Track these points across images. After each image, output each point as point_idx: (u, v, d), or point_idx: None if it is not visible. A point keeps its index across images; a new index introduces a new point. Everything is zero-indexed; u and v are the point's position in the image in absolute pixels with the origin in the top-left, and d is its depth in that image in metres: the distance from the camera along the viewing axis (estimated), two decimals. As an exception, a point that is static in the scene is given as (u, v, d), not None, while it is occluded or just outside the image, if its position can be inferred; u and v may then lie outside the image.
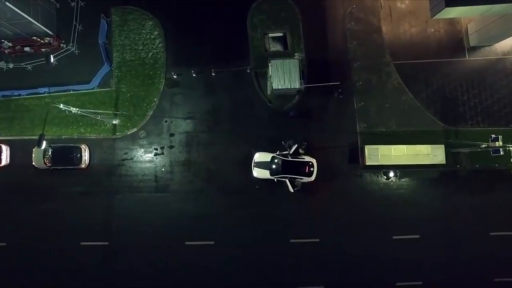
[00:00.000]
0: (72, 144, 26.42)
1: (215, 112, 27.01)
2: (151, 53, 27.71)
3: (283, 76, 24.56)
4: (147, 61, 27.63)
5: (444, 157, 25.53)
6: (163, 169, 26.70)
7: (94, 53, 27.31)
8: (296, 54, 26.15)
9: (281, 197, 25.88)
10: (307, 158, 25.48)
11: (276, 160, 25.15)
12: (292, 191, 24.99)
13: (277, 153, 25.53)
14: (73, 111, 21.31)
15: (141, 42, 27.81)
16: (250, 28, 27.63)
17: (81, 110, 21.77)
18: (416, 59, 27.28)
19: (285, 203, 25.93)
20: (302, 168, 25.09)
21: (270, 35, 28.03)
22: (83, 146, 26.50)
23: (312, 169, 25.19)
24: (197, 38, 27.69)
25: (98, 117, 24.58)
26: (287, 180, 25.17)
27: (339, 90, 26.19)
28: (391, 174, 25.89)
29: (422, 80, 27.22)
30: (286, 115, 26.63)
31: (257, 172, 25.54)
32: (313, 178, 25.24)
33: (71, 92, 27.32)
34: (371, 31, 27.79)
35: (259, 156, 25.63)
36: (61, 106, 20.94)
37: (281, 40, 28.18)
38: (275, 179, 25.41)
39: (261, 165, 25.39)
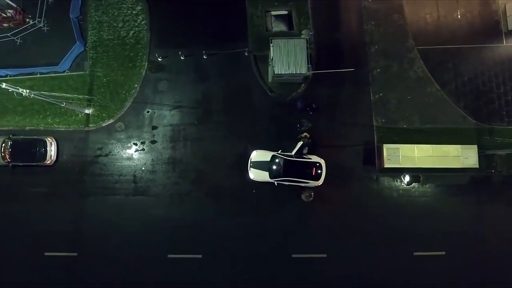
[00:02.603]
0: (35, 137, 24.24)
1: (206, 102, 25.08)
2: (132, 32, 25.63)
3: (287, 59, 22.19)
4: (128, 40, 25.56)
5: (477, 160, 23.17)
6: (143, 168, 24.62)
7: (66, 30, 25.01)
8: (303, 32, 23.64)
9: (283, 203, 23.96)
10: (314, 158, 23.39)
11: (277, 160, 23.03)
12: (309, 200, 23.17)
13: (279, 151, 23.37)
14: (23, 94, 17.78)
15: (121, 19, 25.75)
16: (249, 4, 25.63)
17: (34, 93, 18.14)
18: (443, 44, 25.21)
19: (287, 211, 23.96)
20: (308, 170, 22.96)
21: (273, 13, 26.01)
22: (49, 139, 24.16)
23: (319, 171, 23.07)
24: (186, 14, 25.71)
25: (63, 103, 21.99)
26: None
27: (313, 105, 23.95)
28: (413, 179, 23.92)
29: (451, 69, 25.16)
30: (289, 107, 24.44)
31: (254, 174, 23.55)
32: (321, 182, 23.16)
33: (38, 75, 25.13)
34: (391, 10, 25.66)
35: (257, 155, 23.66)
36: (3, 85, 17.18)
37: (286, 19, 26.11)
38: (276, 183, 23.19)
39: (259, 165, 23.39)
